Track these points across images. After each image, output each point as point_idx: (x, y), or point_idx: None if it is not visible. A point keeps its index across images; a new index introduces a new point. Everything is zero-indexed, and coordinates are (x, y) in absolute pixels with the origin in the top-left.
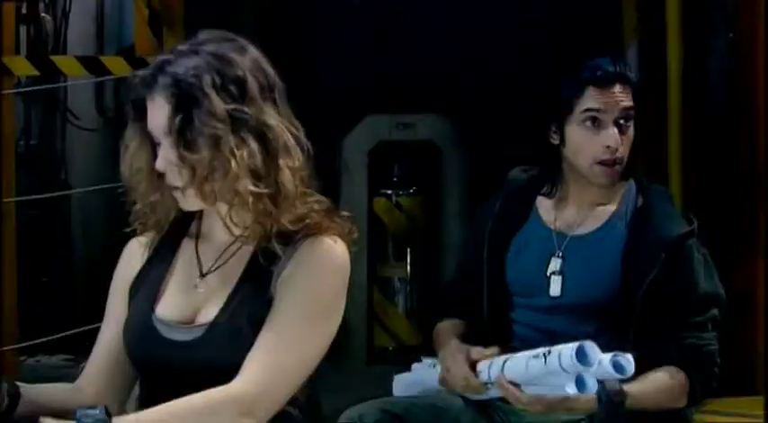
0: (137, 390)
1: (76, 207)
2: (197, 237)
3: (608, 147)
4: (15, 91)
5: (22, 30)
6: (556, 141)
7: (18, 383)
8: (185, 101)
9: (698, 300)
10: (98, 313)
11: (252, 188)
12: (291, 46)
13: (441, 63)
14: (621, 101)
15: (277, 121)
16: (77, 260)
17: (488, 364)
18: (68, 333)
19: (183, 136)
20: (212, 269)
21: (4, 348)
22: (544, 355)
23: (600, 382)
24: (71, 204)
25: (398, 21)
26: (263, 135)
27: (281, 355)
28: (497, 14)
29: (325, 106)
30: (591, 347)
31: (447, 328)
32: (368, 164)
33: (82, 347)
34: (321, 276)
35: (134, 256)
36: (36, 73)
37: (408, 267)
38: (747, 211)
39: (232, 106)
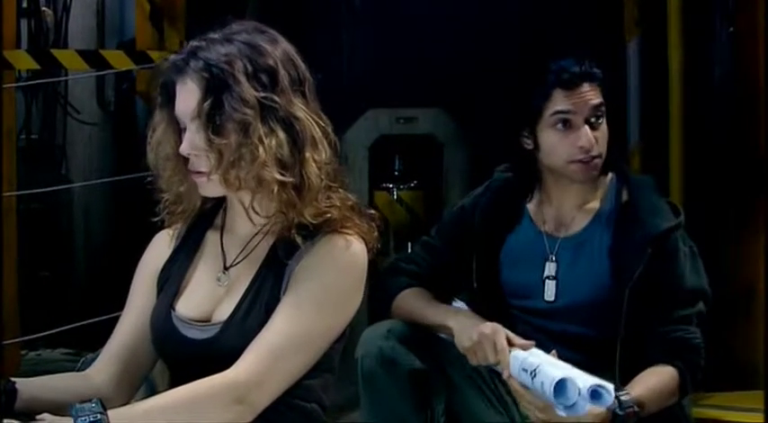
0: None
1: (77, 201)
2: (222, 229)
3: (581, 147)
4: (16, 85)
5: (23, 23)
6: (530, 146)
7: (18, 379)
8: (216, 85)
9: (684, 294)
10: (99, 307)
11: (278, 177)
12: (292, 41)
13: (442, 57)
14: (590, 100)
15: (305, 113)
16: (78, 254)
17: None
18: (70, 327)
19: (213, 120)
20: (235, 262)
21: (6, 342)
22: (531, 373)
23: (617, 397)
24: (72, 198)
25: (400, 14)
26: (291, 126)
27: (280, 345)
28: (498, 7)
29: (326, 100)
30: (571, 382)
31: (425, 295)
32: (369, 158)
33: (83, 341)
34: (331, 272)
35: (161, 247)
36: (37, 67)
37: None
38: (748, 206)
39: (262, 94)
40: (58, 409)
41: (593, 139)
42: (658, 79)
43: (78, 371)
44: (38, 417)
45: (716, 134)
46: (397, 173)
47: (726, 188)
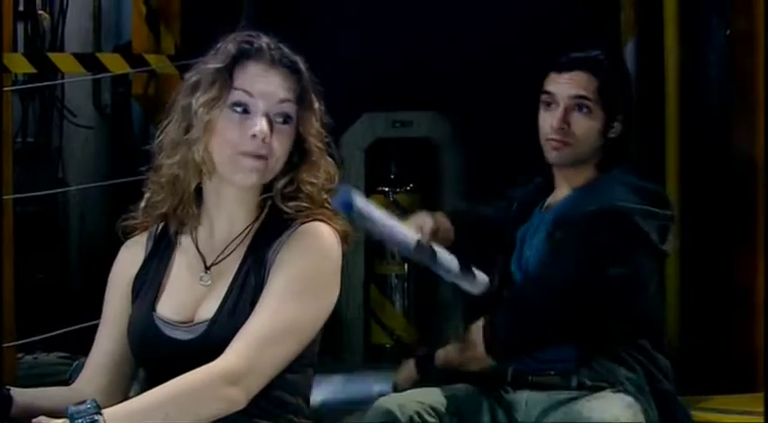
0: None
1: (73, 204)
2: (195, 233)
3: (551, 127)
4: (12, 88)
5: (20, 26)
6: None
7: (12, 388)
8: (305, 91)
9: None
10: (95, 311)
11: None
12: (288, 44)
13: (438, 60)
14: (572, 87)
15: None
16: (74, 257)
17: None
18: (66, 330)
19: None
20: (216, 261)
21: (2, 346)
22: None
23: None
24: (68, 201)
25: (395, 18)
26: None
27: (265, 334)
28: (495, 10)
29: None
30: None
31: None
32: (365, 161)
33: (79, 345)
34: (308, 260)
35: (131, 256)
36: (33, 70)
37: (405, 265)
38: (746, 206)
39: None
40: (53, 417)
41: (563, 124)
42: (655, 81)
43: (70, 374)
44: (34, 420)
45: (712, 136)
46: (393, 176)
47: (722, 190)
